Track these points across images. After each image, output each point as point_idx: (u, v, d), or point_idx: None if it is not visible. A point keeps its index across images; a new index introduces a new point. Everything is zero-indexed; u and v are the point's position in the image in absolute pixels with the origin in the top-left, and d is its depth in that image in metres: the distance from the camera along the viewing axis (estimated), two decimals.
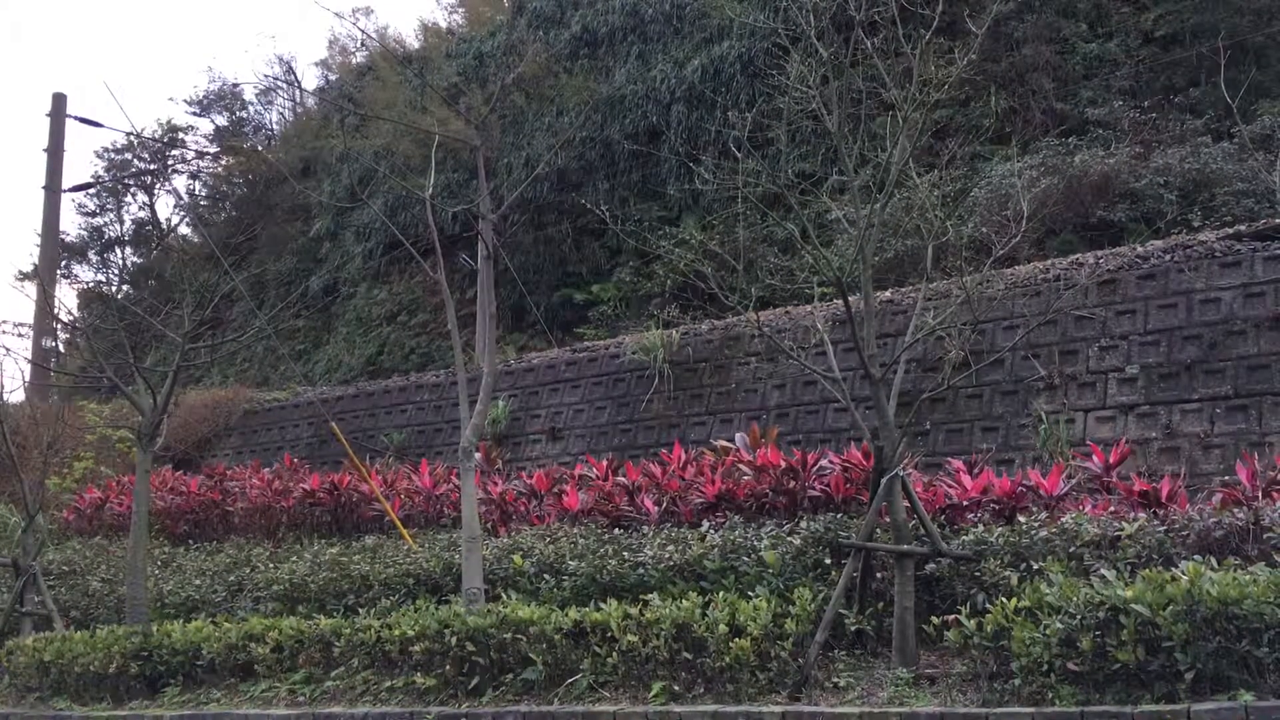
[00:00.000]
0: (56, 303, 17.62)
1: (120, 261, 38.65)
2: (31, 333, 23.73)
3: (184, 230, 37.42)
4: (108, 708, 8.53)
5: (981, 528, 6.95)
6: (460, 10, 33.09)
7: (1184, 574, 5.26)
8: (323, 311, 26.63)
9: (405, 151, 22.67)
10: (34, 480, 11.18)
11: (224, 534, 12.64)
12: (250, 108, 37.41)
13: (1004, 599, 5.76)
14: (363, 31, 33.09)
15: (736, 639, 6.19)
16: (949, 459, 8.76)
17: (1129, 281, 10.12)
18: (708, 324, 13.41)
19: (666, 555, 7.63)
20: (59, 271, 30.88)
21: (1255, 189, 12.42)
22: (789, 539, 7.41)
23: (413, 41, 33.27)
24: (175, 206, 38.80)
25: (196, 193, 37.46)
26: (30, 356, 21.02)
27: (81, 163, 44.88)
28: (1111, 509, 7.00)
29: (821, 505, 8.23)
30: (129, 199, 38.37)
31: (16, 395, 16.43)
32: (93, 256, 38.55)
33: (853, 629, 6.69)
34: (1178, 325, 9.55)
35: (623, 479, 9.68)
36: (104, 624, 9.58)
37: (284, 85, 36.41)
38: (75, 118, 25.22)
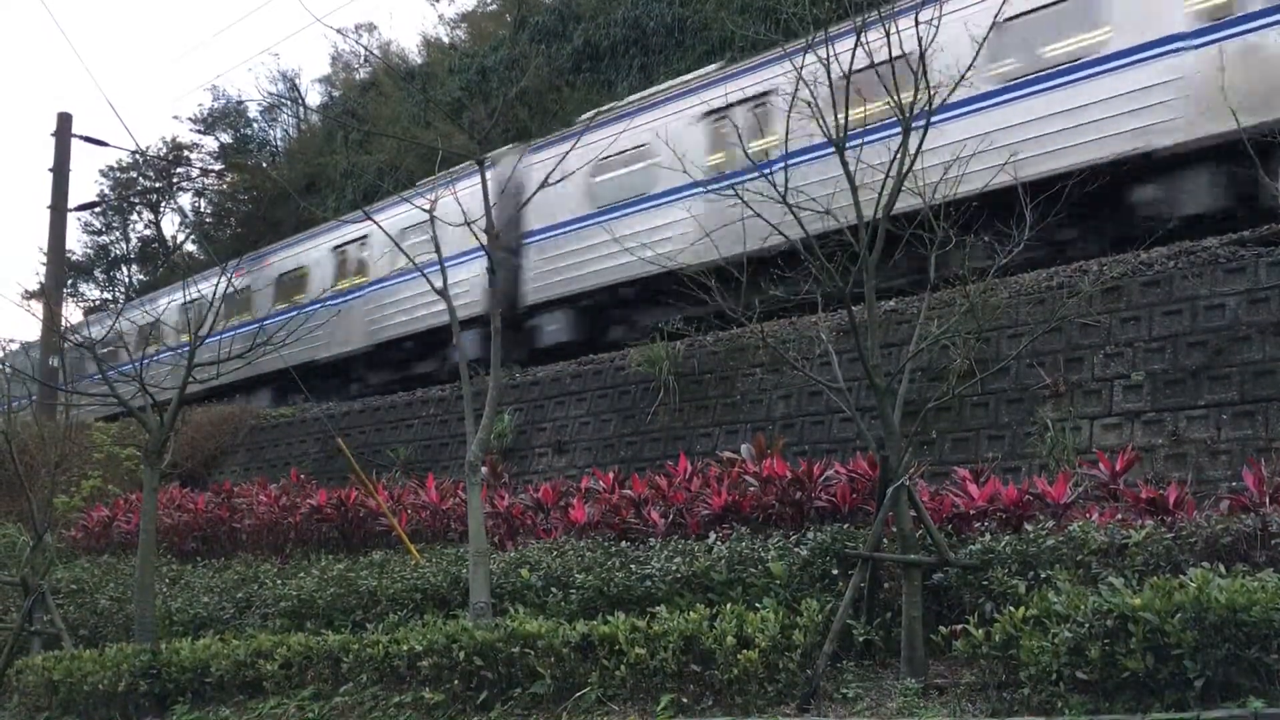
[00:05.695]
0: (63, 321, 17.60)
1: (126, 279, 38.82)
2: (38, 351, 23.76)
3: (189, 247, 37.61)
4: None
5: (989, 536, 6.93)
6: (463, 25, 33.27)
7: (1192, 581, 5.25)
8: None
9: (409, 166, 22.75)
10: (42, 499, 11.21)
11: (231, 550, 12.64)
12: (254, 125, 37.63)
13: (1012, 608, 5.74)
14: (365, 49, 33.24)
15: (744, 650, 6.18)
16: (955, 468, 8.74)
17: (1133, 288, 10.11)
18: (712, 335, 13.40)
19: (674, 567, 7.63)
20: (65, 290, 30.98)
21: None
22: (796, 550, 7.41)
23: (416, 57, 33.47)
24: (180, 224, 38.99)
25: (201, 210, 37.65)
26: (37, 375, 21.04)
27: (87, 181, 45.14)
28: (1119, 516, 6.99)
29: (828, 516, 8.22)
30: (134, 217, 38.58)
31: (23, 414, 16.47)
32: (99, 274, 38.75)
33: (861, 639, 6.69)
34: (1182, 331, 9.54)
35: (629, 491, 9.67)
36: (113, 642, 9.60)
37: (288, 102, 36.60)
38: (80, 137, 25.17)
